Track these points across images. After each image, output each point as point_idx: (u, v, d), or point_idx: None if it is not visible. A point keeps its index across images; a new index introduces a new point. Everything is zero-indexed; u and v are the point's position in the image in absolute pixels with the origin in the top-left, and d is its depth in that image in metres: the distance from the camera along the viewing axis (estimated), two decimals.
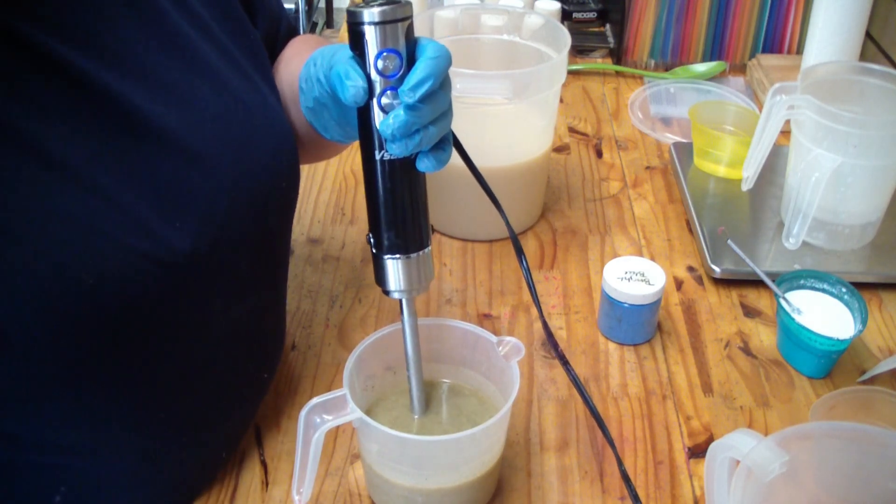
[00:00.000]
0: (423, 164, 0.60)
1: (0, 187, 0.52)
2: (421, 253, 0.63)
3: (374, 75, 0.58)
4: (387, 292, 0.64)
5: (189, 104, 0.62)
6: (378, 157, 0.60)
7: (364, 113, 0.60)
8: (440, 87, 0.59)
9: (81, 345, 0.56)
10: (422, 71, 0.57)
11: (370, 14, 0.57)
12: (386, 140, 0.59)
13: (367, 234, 0.63)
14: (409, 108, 0.58)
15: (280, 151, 0.68)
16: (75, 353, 0.56)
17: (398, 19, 0.57)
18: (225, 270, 0.64)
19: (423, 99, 0.57)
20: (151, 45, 0.61)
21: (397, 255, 0.62)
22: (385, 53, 0.57)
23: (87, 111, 0.56)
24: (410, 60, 0.59)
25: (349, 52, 0.59)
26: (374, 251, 0.63)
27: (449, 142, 0.63)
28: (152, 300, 0.58)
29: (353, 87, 0.58)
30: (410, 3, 0.59)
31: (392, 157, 0.60)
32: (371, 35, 0.57)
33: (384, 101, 0.59)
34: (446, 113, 0.61)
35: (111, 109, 0.57)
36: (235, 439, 0.74)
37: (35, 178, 0.53)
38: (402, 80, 0.58)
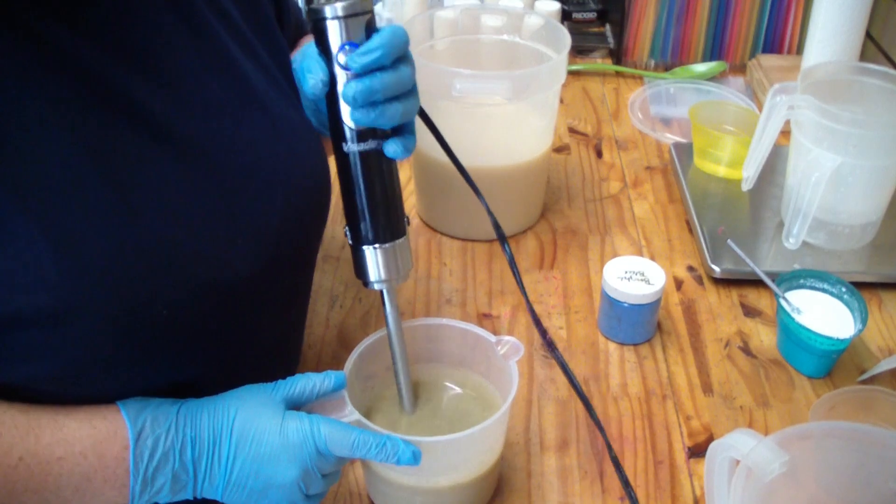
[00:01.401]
0: (390, 149, 0.61)
1: (73, 227, 0.52)
2: (398, 242, 0.64)
3: (337, 69, 0.59)
4: (367, 283, 0.65)
5: (241, 128, 0.63)
6: (346, 149, 0.61)
7: (332, 106, 0.61)
8: (401, 63, 0.59)
9: (143, 357, 0.57)
10: (373, 42, 0.58)
11: (331, 9, 0.58)
12: (350, 107, 0.59)
13: (345, 227, 0.64)
14: (367, 75, 0.58)
15: (318, 168, 0.70)
16: (135, 366, 0.57)
17: (358, 13, 0.58)
18: (275, 287, 0.66)
19: (378, 67, 0.58)
20: (205, 69, 0.62)
21: (375, 245, 0.63)
22: (347, 47, 0.58)
23: (150, 140, 0.56)
24: None
25: (315, 48, 0.60)
26: (351, 243, 0.64)
27: (413, 130, 0.63)
28: (210, 322, 0.60)
29: (312, 78, 0.59)
30: None
31: (361, 150, 0.61)
32: (333, 30, 0.58)
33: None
34: (411, 94, 0.61)
35: (171, 138, 0.58)
36: None
37: (113, 217, 0.53)
38: None
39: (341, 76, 0.59)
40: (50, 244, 0.51)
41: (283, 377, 0.75)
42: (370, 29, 0.59)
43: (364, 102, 0.58)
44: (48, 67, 0.52)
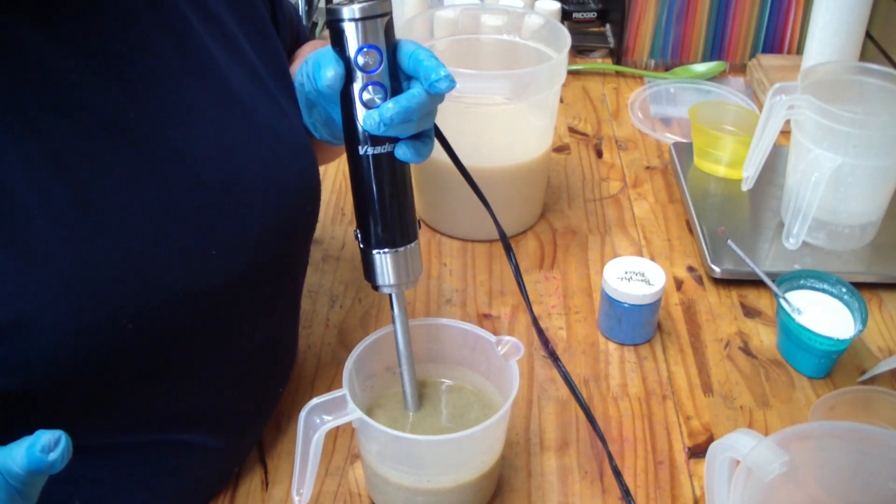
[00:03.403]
0: (400, 153, 0.60)
1: (34, 244, 0.51)
2: (409, 246, 0.63)
3: (355, 72, 0.59)
4: (376, 287, 0.65)
5: (220, 133, 0.62)
6: (362, 152, 0.61)
7: (347, 109, 0.60)
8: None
9: (110, 369, 0.56)
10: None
11: (350, 11, 0.57)
12: (365, 113, 0.59)
13: (355, 230, 0.64)
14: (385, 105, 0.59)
15: (304, 175, 0.69)
16: (103, 376, 0.56)
17: (377, 15, 0.58)
18: (254, 295, 0.65)
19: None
20: (185, 73, 0.61)
21: (385, 249, 0.63)
22: (365, 49, 0.58)
23: (122, 149, 0.55)
24: (391, 56, 0.60)
25: (331, 47, 0.60)
26: (361, 246, 0.64)
27: (431, 136, 0.63)
28: (183, 331, 0.59)
29: (330, 71, 0.58)
30: (389, 0, 0.59)
31: (376, 153, 0.60)
32: (351, 31, 0.58)
33: (365, 96, 0.59)
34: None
35: (146, 145, 0.57)
36: (246, 452, 0.74)
37: (76, 232, 0.52)
38: (382, 75, 0.59)
39: (359, 79, 0.59)
40: (10, 254, 0.49)
41: (275, 383, 0.75)
42: (389, 31, 0.59)
43: (383, 130, 0.58)
44: (12, 70, 0.51)
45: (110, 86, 0.55)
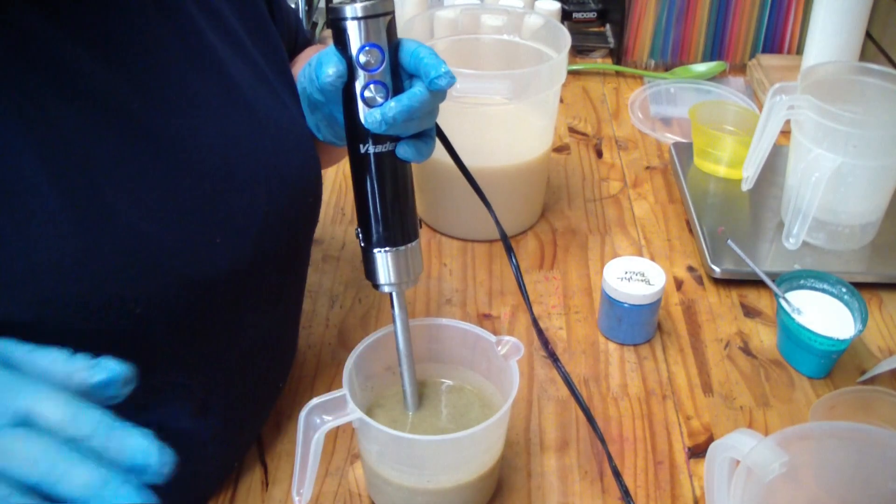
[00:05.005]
0: (402, 152, 0.61)
1: (46, 224, 0.51)
2: (410, 245, 0.64)
3: (357, 70, 0.59)
4: (377, 286, 0.65)
5: (222, 124, 0.63)
6: (363, 150, 0.61)
7: (349, 108, 0.61)
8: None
9: (116, 353, 0.56)
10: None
11: (352, 9, 0.58)
12: (366, 111, 0.60)
13: (356, 229, 0.64)
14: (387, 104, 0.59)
15: (306, 167, 0.70)
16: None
17: (379, 14, 0.58)
18: (258, 286, 0.65)
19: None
20: (188, 65, 0.62)
21: (386, 248, 0.63)
22: (367, 48, 0.58)
23: (127, 137, 0.56)
24: (393, 54, 0.60)
25: (333, 46, 0.60)
26: (362, 245, 0.64)
27: (432, 136, 0.64)
28: (189, 318, 0.59)
29: (331, 68, 0.59)
30: None
31: (377, 152, 0.61)
32: (353, 30, 0.58)
33: (367, 94, 0.60)
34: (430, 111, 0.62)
35: (150, 134, 0.57)
36: (245, 447, 0.74)
37: (86, 213, 0.53)
38: (384, 73, 0.59)
39: (360, 77, 0.59)
40: (21, 233, 0.50)
41: (276, 377, 0.75)
42: (391, 30, 0.59)
43: (385, 129, 0.59)
44: (24, 59, 0.52)
45: (116, 76, 0.56)
